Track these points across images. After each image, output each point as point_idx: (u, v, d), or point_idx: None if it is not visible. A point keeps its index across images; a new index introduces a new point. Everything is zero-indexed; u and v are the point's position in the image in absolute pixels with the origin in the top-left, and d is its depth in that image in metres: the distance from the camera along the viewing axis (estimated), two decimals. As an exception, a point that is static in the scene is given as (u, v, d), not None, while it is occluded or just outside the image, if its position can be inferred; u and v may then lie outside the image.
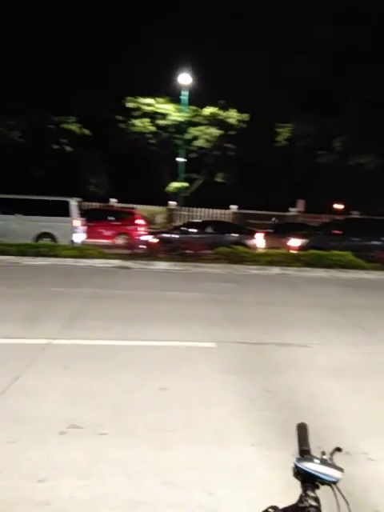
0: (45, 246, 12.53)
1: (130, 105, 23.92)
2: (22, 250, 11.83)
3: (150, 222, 21.58)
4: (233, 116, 24.71)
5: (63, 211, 13.85)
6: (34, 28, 23.08)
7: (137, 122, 24.25)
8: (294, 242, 14.67)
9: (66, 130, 24.86)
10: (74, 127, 24.99)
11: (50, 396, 3.54)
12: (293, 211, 24.22)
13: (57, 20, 23.98)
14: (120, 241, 16.98)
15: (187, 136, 24.75)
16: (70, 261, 11.61)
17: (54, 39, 23.85)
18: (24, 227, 13.50)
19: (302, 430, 1.16)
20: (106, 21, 25.57)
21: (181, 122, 24.40)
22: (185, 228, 16.09)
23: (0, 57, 21.49)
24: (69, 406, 3.37)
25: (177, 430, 3.09)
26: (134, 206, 22.81)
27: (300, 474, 1.02)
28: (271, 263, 12.55)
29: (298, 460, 1.04)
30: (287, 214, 24.29)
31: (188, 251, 13.35)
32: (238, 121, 24.73)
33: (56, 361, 4.36)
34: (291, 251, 14.16)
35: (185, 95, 23.91)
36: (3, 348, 4.66)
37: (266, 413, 3.38)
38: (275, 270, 12.05)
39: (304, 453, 1.07)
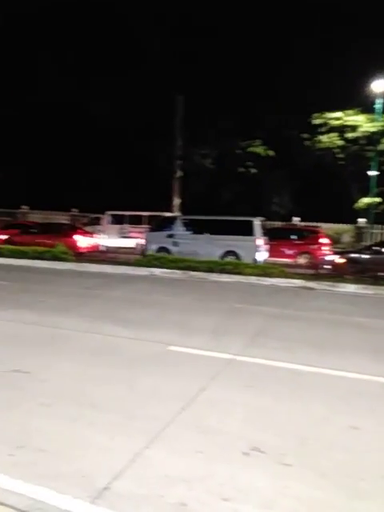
0: (230, 263, 13.17)
1: (316, 121, 23.40)
2: (210, 267, 12.70)
3: (335, 240, 20.40)
4: None
5: (247, 230, 14.36)
6: (223, 62, 25.27)
7: (323, 137, 23.51)
8: None
9: (251, 154, 26.02)
10: (260, 150, 25.93)
11: (234, 413, 3.57)
12: None
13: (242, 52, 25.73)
14: (302, 260, 16.55)
15: (381, 147, 22.66)
16: (253, 279, 11.88)
17: (241, 72, 25.54)
18: (212, 246, 14.54)
19: None
20: (288, 45, 26.05)
21: (373, 133, 22.54)
22: (377, 248, 14.58)
23: (192, 93, 24.07)
24: (252, 426, 3.33)
25: (372, 478, 2.68)
26: (319, 224, 21.99)
27: None
28: None
29: None
30: None
31: (381, 274, 12.02)
32: None
33: (239, 377, 4.41)
34: None
35: (379, 103, 22.07)
36: (193, 358, 4.99)
37: None
38: None
39: None
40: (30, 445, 2.94)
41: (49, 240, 15.65)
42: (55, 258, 13.85)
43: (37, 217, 24.40)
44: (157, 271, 12.65)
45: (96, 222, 21.57)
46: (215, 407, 3.66)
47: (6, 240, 17.25)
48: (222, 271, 12.48)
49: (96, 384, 4.08)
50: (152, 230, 16.55)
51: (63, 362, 4.68)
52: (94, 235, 18.67)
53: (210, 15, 26.66)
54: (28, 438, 3.04)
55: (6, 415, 3.38)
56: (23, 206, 26.47)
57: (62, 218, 24.58)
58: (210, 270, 12.57)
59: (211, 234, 14.76)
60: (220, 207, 23.18)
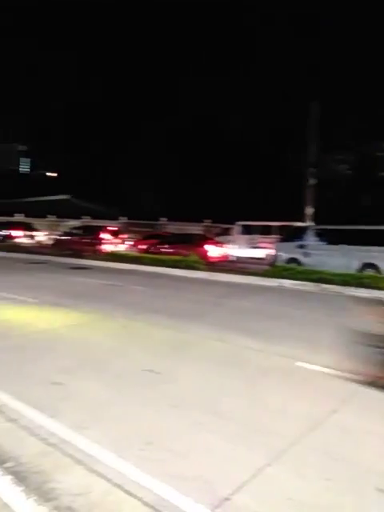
0: (369, 277, 12.06)
1: None
2: (346, 280, 11.82)
3: None
4: None
5: (389, 241, 12.97)
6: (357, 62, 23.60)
7: None
8: None
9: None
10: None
11: (368, 443, 3.22)
12: None
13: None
14: None
15: None
16: (395, 295, 10.65)
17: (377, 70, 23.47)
18: (348, 257, 13.53)
19: None
20: None
21: None
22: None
23: (326, 97, 22.97)
24: (389, 461, 2.95)
25: None
26: None
27: None
28: None
29: None
30: None
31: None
32: None
33: (375, 404, 3.98)
34: None
35: None
36: (323, 377, 4.69)
37: None
38: None
39: None
40: (158, 443, 3.11)
41: (182, 249, 16.60)
42: (188, 266, 14.59)
43: (173, 228, 26.15)
44: (286, 283, 12.30)
45: (227, 232, 22.09)
46: (346, 434, 3.36)
47: (145, 249, 18.89)
48: (360, 285, 11.49)
49: (221, 392, 4.13)
50: (282, 240, 16.21)
51: (191, 366, 4.86)
52: (225, 245, 19.13)
53: (338, 16, 25.29)
54: (156, 435, 3.22)
55: (139, 411, 3.65)
56: (162, 218, 28.65)
57: (195, 229, 25.85)
58: (346, 284, 11.69)
59: (348, 244, 13.76)
60: (357, 216, 21.52)
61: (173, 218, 28.00)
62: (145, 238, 21.98)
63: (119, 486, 2.55)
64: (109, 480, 2.62)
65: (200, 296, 10.07)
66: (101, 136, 51.09)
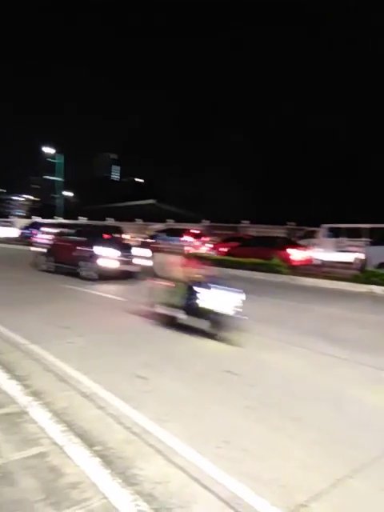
0: None
1: None
2: None
3: None
4: None
5: None
6: None
7: None
8: None
9: None
10: None
11: None
12: None
13: None
14: None
15: None
16: None
17: None
18: None
19: None
20: None
21: None
22: None
23: None
24: None
25: None
26: None
27: None
28: None
29: None
30: None
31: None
32: None
33: None
34: None
35: None
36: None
37: None
38: None
39: None
40: (235, 442, 3.16)
41: (263, 252, 16.39)
42: (270, 269, 14.37)
43: (255, 230, 25.93)
44: (377, 289, 11.52)
45: (311, 235, 21.30)
46: None
47: (226, 252, 18.97)
48: None
49: (301, 399, 4.04)
50: (373, 243, 15.20)
51: (270, 371, 4.82)
52: (308, 248, 18.46)
53: None
54: (233, 434, 3.27)
55: (216, 409, 3.73)
56: (244, 221, 28.57)
57: (278, 232, 25.34)
58: None
59: None
60: None
61: (256, 220, 27.76)
62: (225, 240, 22.07)
63: (196, 480, 2.65)
64: (186, 473, 2.73)
65: (281, 300, 9.87)
66: (184, 141, 52.60)
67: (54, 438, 2.94)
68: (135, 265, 11.75)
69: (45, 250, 13.33)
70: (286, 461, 2.94)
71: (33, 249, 14.45)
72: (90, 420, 3.40)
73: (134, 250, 12.18)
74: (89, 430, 3.21)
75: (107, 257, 11.43)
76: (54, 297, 8.95)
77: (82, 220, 36.43)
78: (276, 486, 2.63)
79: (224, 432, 3.31)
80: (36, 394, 3.74)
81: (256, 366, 4.97)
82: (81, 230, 13.45)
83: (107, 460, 2.79)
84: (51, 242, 13.40)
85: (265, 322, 7.33)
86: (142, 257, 11.99)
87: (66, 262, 12.23)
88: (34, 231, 31.14)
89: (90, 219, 35.98)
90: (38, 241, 14.83)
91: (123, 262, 11.57)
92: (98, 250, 11.50)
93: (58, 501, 2.28)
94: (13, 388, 3.79)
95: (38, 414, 3.32)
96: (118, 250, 11.69)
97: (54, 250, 12.99)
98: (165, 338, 6.08)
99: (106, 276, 11.30)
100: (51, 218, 38.25)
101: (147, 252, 12.62)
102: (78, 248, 11.93)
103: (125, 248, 12.12)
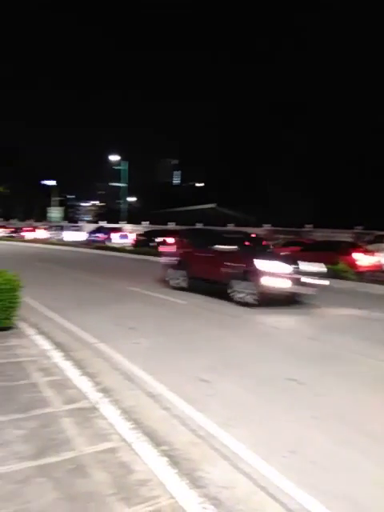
0: None
1: None
2: None
3: None
4: None
5: None
6: None
7: None
8: None
9: None
10: None
11: None
12: None
13: None
14: None
15: None
16: None
17: None
18: None
19: None
20: None
21: None
22: None
23: None
24: None
25: None
26: None
27: None
28: None
29: None
30: None
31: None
32: None
33: None
34: None
35: None
36: None
37: None
38: None
39: None
40: (301, 453, 3.07)
41: (326, 257, 15.78)
42: (334, 275, 13.80)
43: (319, 235, 25.07)
44: None
45: (381, 239, 20.19)
46: None
47: None
48: None
49: (374, 413, 3.84)
50: None
51: (338, 381, 4.62)
52: (377, 253, 17.48)
53: None
54: (299, 445, 3.18)
55: (281, 418, 3.65)
56: (307, 225, 27.75)
57: (344, 236, 24.30)
58: None
59: None
60: None
61: (320, 224, 26.85)
62: (285, 244, 21.56)
63: (263, 488, 2.61)
64: (253, 480, 2.70)
65: (347, 308, 9.43)
66: (244, 145, 52.31)
67: (123, 435, 3.05)
68: (309, 285, 8.86)
69: (175, 262, 10.94)
70: (357, 476, 2.81)
71: (162, 260, 11.99)
72: (156, 420, 3.48)
73: (303, 265, 9.09)
74: (155, 430, 3.29)
75: (274, 274, 8.55)
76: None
77: (145, 224, 37.53)
78: (347, 502, 2.52)
79: (290, 441, 3.23)
80: (105, 391, 3.90)
81: (323, 375, 4.80)
82: (230, 237, 11.00)
83: (174, 460, 2.84)
84: (183, 252, 10.85)
85: (330, 329, 7.06)
86: (314, 274, 9.14)
87: (208, 278, 9.78)
88: (101, 236, 32.70)
89: (151, 223, 36.99)
90: (165, 250, 12.48)
91: (295, 281, 8.62)
92: (260, 263, 8.65)
93: (128, 496, 2.36)
94: (84, 384, 3.99)
95: (108, 410, 3.46)
96: (287, 263, 8.84)
97: (188, 262, 10.45)
98: (230, 343, 6.07)
99: (268, 300, 8.68)
100: (116, 222, 39.83)
101: (321, 267, 9.62)
102: (227, 261, 9.22)
103: (292, 261, 9.08)
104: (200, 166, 69.26)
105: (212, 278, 9.65)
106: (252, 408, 3.84)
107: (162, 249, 15.25)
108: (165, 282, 11.14)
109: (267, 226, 29.78)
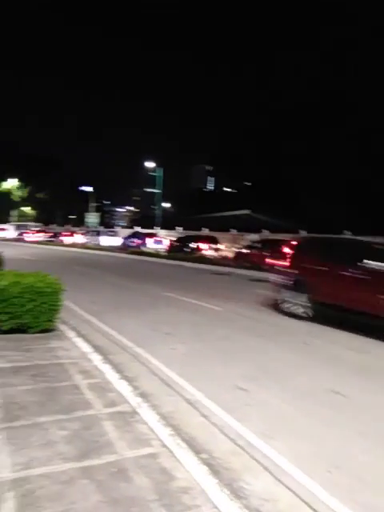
0: None
1: None
2: None
3: None
4: None
5: None
6: None
7: None
8: None
9: None
10: None
11: None
12: None
13: None
14: None
15: None
16: None
17: None
18: None
19: None
20: None
21: None
22: None
23: None
24: None
25: None
26: None
27: None
28: None
29: None
30: None
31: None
32: None
33: None
34: None
35: None
36: None
37: None
38: None
39: None
40: (347, 468, 2.96)
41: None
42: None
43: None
44: None
45: None
46: None
47: None
48: None
49: (420, 429, 3.65)
50: None
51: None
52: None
53: None
54: (344, 460, 3.07)
55: (324, 432, 3.54)
56: (346, 231, 27.01)
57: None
58: None
59: None
60: None
61: (360, 231, 26.07)
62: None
63: (307, 504, 2.53)
64: (296, 494, 2.63)
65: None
66: (279, 151, 51.79)
67: (164, 441, 3.05)
68: None
69: (290, 281, 8.58)
70: (407, 497, 2.67)
71: (272, 279, 9.55)
72: (195, 427, 3.47)
73: None
74: (195, 437, 3.28)
75: None
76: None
77: (179, 230, 37.79)
78: (397, 524, 2.40)
79: (334, 456, 3.13)
80: (144, 396, 3.93)
81: (367, 389, 4.62)
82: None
83: (214, 469, 2.81)
84: (304, 268, 8.35)
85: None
86: None
87: (351, 307, 7.26)
88: (136, 241, 33.19)
89: (185, 229, 37.19)
90: (275, 263, 10.10)
91: None
92: None
93: (170, 503, 2.36)
94: (124, 388, 4.04)
95: (148, 415, 3.48)
96: None
97: (311, 282, 8.01)
98: (268, 351, 5.98)
99: None
100: (150, 228, 40.35)
101: None
102: None
103: None
104: (234, 171, 69.14)
105: (360, 307, 7.10)
106: (293, 420, 3.75)
107: (269, 261, 12.39)
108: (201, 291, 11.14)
109: (303, 233, 29.23)
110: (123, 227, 58.89)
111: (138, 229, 40.50)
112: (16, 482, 2.46)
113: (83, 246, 35.92)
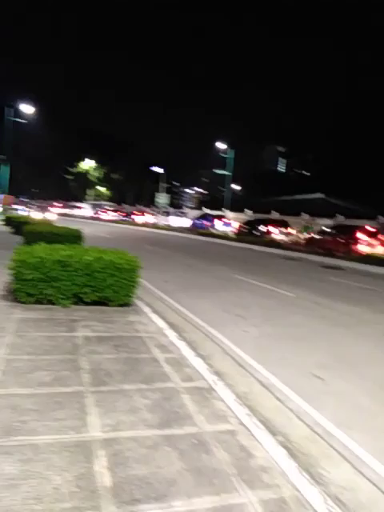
0: None
1: None
2: None
3: None
4: None
5: None
6: None
7: None
8: None
9: None
10: None
11: None
12: None
13: None
14: None
15: None
16: None
17: None
18: None
19: None
20: None
21: None
22: None
23: None
24: None
25: None
26: None
27: None
28: None
29: None
30: None
31: None
32: None
33: None
34: None
35: None
36: None
37: None
38: None
39: None
40: None
41: None
42: None
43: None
44: None
45: None
46: None
47: None
48: None
49: None
50: None
51: None
52: None
53: None
54: None
55: (408, 428, 3.38)
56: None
57: None
58: None
59: None
60: None
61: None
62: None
63: (390, 498, 2.47)
64: (377, 486, 2.57)
65: None
66: (356, 132, 48.59)
67: (241, 419, 3.12)
68: None
69: None
70: None
71: None
72: (270, 409, 3.49)
73: None
74: (270, 419, 3.30)
75: None
76: None
77: (248, 213, 37.32)
78: None
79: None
80: (219, 374, 4.02)
81: None
82: None
83: (291, 452, 2.83)
84: None
85: None
86: None
87: None
88: (205, 222, 33.41)
89: (255, 212, 36.61)
90: None
91: None
92: None
93: (250, 479, 2.42)
94: (200, 365, 4.16)
95: (224, 393, 3.56)
96: None
97: None
98: (343, 340, 5.80)
99: None
100: (218, 210, 40.29)
101: None
102: None
103: None
104: (307, 153, 66.24)
105: None
106: (372, 412, 3.63)
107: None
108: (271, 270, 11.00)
109: (382, 219, 27.41)
110: (191, 208, 59.47)
111: (207, 210, 40.68)
112: (107, 441, 2.66)
113: (154, 225, 36.94)
